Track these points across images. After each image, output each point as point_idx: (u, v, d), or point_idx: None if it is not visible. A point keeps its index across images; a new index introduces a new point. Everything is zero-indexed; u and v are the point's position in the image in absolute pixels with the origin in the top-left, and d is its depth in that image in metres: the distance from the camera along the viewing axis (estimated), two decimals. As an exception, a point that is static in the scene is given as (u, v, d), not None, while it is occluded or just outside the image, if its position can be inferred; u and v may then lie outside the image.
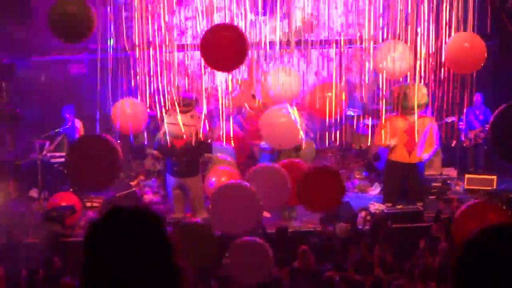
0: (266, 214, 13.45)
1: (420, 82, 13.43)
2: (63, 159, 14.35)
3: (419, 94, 13.54)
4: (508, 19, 15.93)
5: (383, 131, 13.89)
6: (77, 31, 11.41)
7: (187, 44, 15.03)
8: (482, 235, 2.65)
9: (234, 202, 10.17)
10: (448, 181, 15.15)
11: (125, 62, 13.31)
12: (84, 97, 16.46)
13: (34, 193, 14.70)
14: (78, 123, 15.12)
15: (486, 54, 12.53)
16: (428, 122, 13.85)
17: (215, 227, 10.72)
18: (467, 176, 15.15)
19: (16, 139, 15.95)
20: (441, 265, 10.38)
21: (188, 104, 13.48)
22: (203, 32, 11.48)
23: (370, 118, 14.68)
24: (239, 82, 15.05)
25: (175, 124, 13.37)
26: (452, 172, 15.75)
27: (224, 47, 10.90)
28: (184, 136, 13.42)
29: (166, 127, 13.49)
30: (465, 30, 12.89)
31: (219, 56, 11.02)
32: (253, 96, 14.91)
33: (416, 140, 13.72)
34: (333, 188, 10.74)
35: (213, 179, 13.68)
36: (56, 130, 14.76)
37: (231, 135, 14.03)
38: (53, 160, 14.46)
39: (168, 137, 13.49)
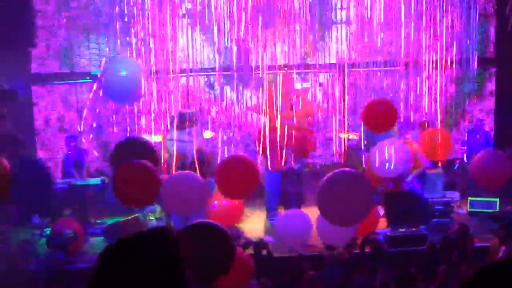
0: (268, 238, 13.44)
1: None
2: (66, 185, 14.37)
3: None
4: None
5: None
6: None
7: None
8: (483, 274, 2.65)
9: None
10: (451, 204, 15.09)
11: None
12: (87, 124, 16.55)
13: (36, 219, 14.66)
14: (84, 149, 15.12)
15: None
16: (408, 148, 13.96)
17: None
18: (470, 199, 15.11)
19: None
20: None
21: (184, 120, 13.36)
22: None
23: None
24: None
25: (171, 141, 13.35)
26: (454, 195, 15.72)
27: (237, 179, 11.54)
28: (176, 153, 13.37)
29: (165, 144, 13.56)
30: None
31: (233, 188, 11.41)
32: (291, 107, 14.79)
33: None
34: None
35: (215, 202, 13.72)
36: (58, 156, 14.78)
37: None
38: (55, 186, 14.42)
39: (165, 154, 13.52)
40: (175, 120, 13.52)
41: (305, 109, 14.60)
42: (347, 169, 11.94)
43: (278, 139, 14.20)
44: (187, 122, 13.36)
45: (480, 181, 13.14)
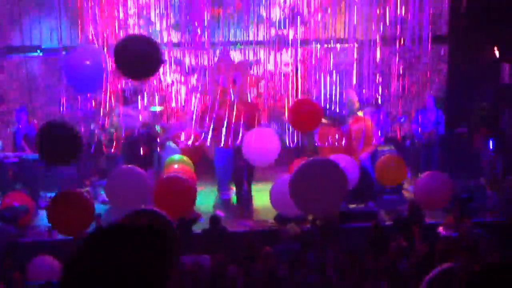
0: (220, 213, 13.50)
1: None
2: (16, 159, 14.23)
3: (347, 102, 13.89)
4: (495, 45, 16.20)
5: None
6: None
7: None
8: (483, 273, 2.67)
9: None
10: (402, 181, 15.25)
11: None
12: (39, 97, 16.39)
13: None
14: (34, 123, 14.89)
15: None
16: (360, 125, 14.13)
17: None
18: (420, 176, 15.25)
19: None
20: (394, 264, 10.47)
21: (129, 94, 13.27)
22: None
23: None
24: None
25: (119, 116, 13.34)
26: (405, 172, 15.87)
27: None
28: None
29: (112, 120, 13.54)
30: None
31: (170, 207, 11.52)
32: (217, 83, 14.77)
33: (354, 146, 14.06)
34: None
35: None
36: (9, 130, 14.60)
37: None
38: (6, 160, 14.28)
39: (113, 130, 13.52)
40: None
41: (246, 82, 14.69)
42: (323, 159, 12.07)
43: (226, 115, 14.26)
44: (132, 97, 13.31)
45: (424, 204, 13.10)
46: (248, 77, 14.89)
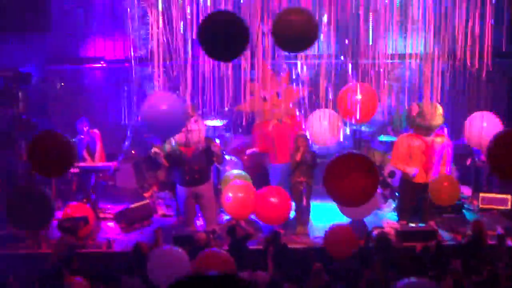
0: (278, 229, 13.44)
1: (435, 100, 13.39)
2: (77, 170, 14.34)
3: (436, 114, 13.55)
4: None
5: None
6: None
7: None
8: None
9: None
10: (463, 200, 15.06)
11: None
12: (98, 107, 16.55)
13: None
14: (96, 133, 14.99)
15: None
16: (444, 141, 13.85)
17: None
18: (481, 195, 15.03)
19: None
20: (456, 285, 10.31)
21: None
22: None
23: (383, 135, 14.95)
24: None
25: (181, 132, 13.29)
26: (466, 190, 15.67)
27: None
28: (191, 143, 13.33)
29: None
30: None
31: None
32: (264, 99, 14.73)
33: (433, 161, 13.77)
34: None
35: (230, 194, 13.53)
36: (71, 140, 14.69)
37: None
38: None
39: (176, 146, 13.48)
40: None
41: (289, 94, 14.64)
42: None
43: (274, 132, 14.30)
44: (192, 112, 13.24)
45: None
46: (288, 90, 14.76)
